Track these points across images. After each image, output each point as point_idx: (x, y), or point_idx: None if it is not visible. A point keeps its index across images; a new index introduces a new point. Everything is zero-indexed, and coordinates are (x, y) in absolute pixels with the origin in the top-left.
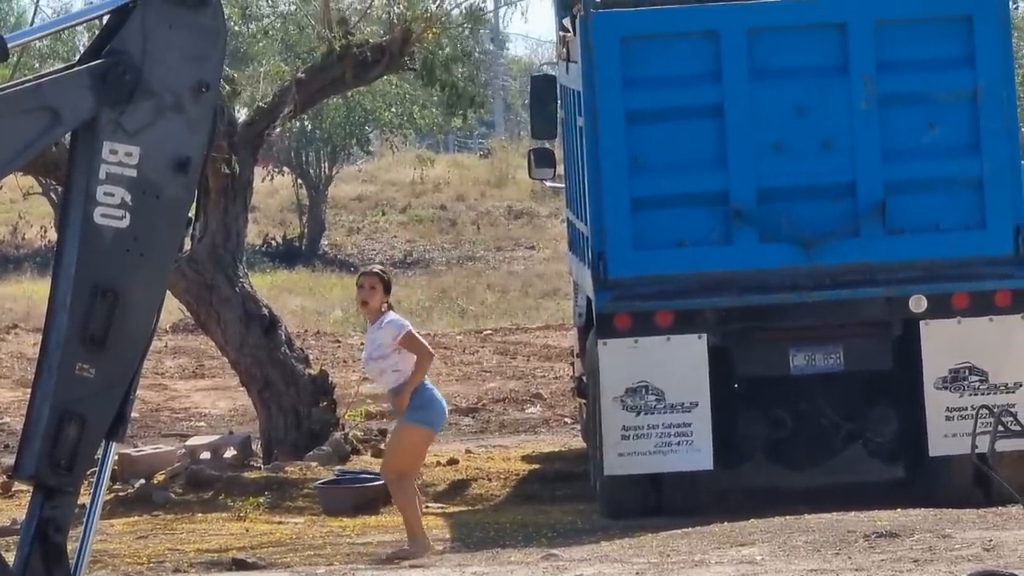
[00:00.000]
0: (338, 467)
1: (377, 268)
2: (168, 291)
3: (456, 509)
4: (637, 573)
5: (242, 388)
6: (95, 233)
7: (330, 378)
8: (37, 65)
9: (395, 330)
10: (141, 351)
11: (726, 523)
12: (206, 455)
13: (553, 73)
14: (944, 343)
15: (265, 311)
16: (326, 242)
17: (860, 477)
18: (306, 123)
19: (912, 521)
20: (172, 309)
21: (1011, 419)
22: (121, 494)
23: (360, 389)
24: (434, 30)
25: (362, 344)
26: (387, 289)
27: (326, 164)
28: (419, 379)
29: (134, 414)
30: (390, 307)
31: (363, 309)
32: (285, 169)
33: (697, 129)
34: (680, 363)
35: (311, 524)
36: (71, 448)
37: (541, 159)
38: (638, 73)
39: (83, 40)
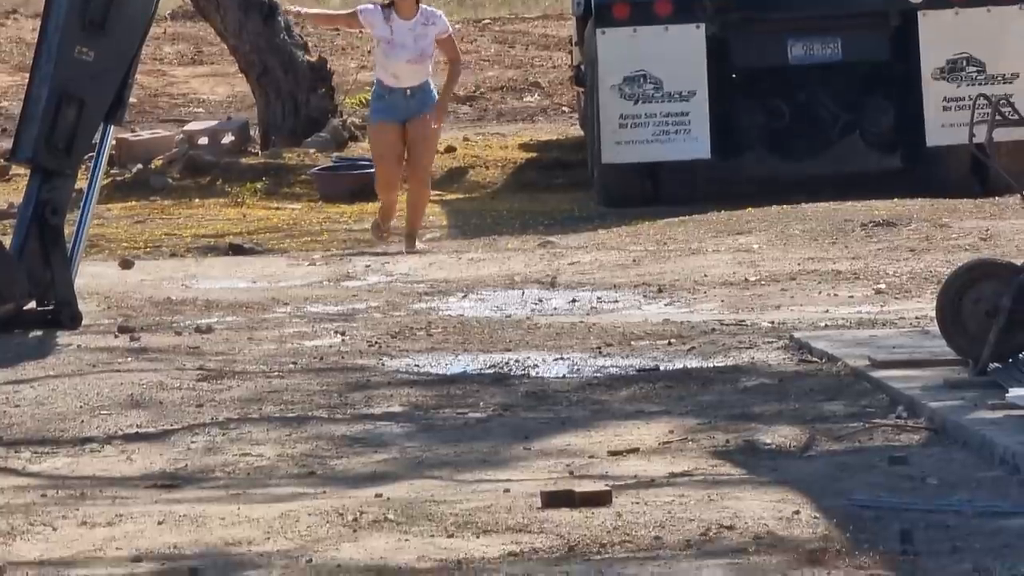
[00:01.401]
0: (335, 153)
1: None
2: None
3: (453, 196)
4: (634, 260)
5: (240, 74)
6: None
7: (328, 65)
8: None
9: (444, 27)
10: (140, 35)
11: (723, 212)
12: (204, 140)
13: None
14: (942, 34)
15: None
16: None
17: (857, 167)
18: None
19: (909, 210)
20: None
21: (1009, 108)
22: (119, 178)
23: (358, 76)
24: None
25: (361, 33)
26: None
27: None
28: (454, 87)
29: (132, 99)
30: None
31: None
32: None
33: None
34: (678, 52)
35: (308, 210)
36: (69, 131)
37: None
38: None
39: None
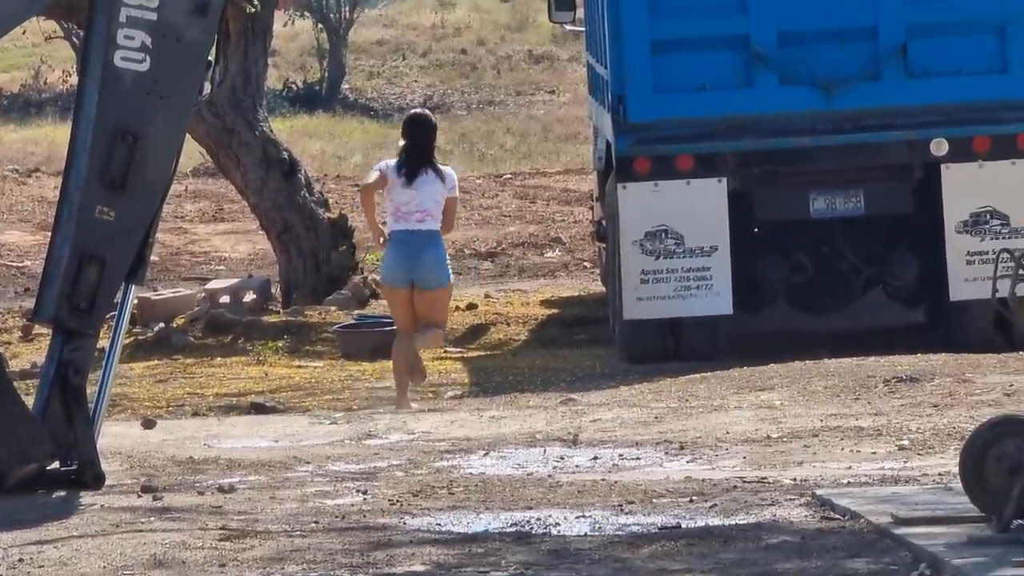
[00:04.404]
0: (357, 311)
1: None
2: (188, 135)
3: (475, 354)
4: (656, 417)
5: (261, 232)
6: (115, 76)
7: (349, 222)
8: None
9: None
10: (161, 194)
11: (745, 368)
12: (225, 299)
13: None
14: (965, 187)
15: (285, 155)
16: (346, 86)
17: (880, 322)
18: None
19: (932, 366)
20: (192, 153)
21: None
22: (140, 338)
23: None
24: None
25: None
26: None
27: (346, 8)
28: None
29: (153, 257)
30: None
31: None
32: (305, 13)
33: None
34: (700, 207)
35: (330, 368)
36: (91, 291)
37: (561, 2)
38: None
39: None
